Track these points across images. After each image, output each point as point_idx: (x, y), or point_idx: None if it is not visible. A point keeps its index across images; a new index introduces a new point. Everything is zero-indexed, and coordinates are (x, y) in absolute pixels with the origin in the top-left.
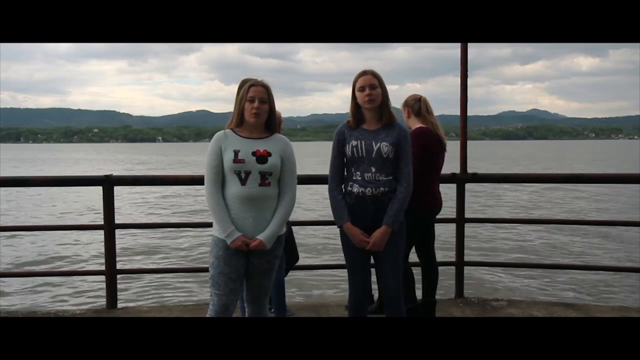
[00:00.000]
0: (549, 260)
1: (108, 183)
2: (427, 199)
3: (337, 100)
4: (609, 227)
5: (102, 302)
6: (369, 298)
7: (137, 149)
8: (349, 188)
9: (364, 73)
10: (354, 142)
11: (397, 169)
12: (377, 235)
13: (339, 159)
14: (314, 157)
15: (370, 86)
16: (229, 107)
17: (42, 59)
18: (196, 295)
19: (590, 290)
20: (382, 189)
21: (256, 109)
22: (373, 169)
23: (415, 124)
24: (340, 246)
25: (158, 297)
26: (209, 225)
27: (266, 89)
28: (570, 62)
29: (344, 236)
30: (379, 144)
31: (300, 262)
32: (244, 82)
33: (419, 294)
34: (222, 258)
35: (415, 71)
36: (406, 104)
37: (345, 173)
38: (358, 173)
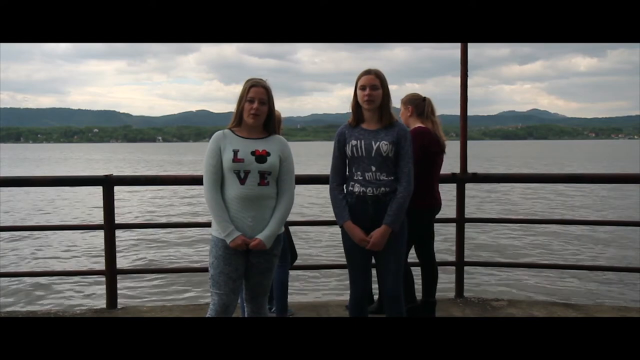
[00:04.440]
0: (549, 260)
1: (108, 183)
2: (427, 198)
3: (336, 100)
4: (609, 227)
5: (102, 302)
6: (369, 298)
7: (136, 149)
8: (350, 188)
9: (368, 72)
10: (353, 142)
11: (398, 168)
12: (376, 235)
13: (340, 159)
14: (308, 158)
15: (371, 86)
16: (229, 107)
17: (40, 59)
18: (196, 295)
19: (590, 290)
20: (383, 189)
21: (255, 109)
22: (373, 168)
23: (415, 123)
24: (341, 246)
25: (158, 297)
26: (209, 225)
27: (267, 90)
28: (568, 62)
29: (345, 236)
30: (378, 143)
31: (301, 262)
32: (246, 82)
33: (418, 294)
34: (222, 258)
35: (414, 71)
36: (410, 102)
37: (347, 173)
38: (359, 173)
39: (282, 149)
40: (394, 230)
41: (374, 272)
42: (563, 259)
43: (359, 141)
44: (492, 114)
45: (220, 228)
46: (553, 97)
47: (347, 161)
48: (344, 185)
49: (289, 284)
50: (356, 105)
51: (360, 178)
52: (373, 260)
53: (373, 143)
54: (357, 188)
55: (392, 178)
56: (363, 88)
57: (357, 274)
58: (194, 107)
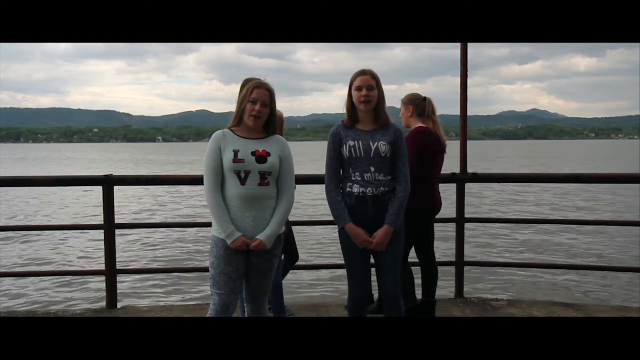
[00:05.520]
0: (549, 260)
1: (108, 183)
2: (427, 198)
3: (336, 101)
4: (609, 227)
5: (102, 302)
6: (369, 298)
7: (136, 149)
8: (349, 189)
9: (363, 73)
10: (351, 143)
11: (395, 168)
12: (380, 235)
13: (336, 160)
14: (309, 158)
15: (367, 87)
16: (229, 107)
17: (40, 59)
18: (196, 295)
19: (590, 290)
20: (382, 189)
21: (257, 112)
22: (372, 169)
23: (416, 123)
24: (340, 246)
25: (158, 297)
26: (209, 225)
27: (270, 92)
28: (567, 63)
29: (344, 237)
30: (376, 144)
31: (301, 262)
32: (247, 82)
33: (419, 293)
34: (222, 258)
35: (413, 71)
36: (411, 102)
37: (343, 174)
38: (357, 173)
39: (282, 149)
40: (395, 229)
41: (373, 272)
42: (563, 259)
43: (356, 142)
44: (492, 114)
45: (221, 228)
46: (553, 97)
47: (342, 162)
48: (341, 186)
49: (286, 284)
50: (351, 106)
51: (359, 179)
52: (372, 261)
53: (371, 144)
54: (356, 189)
55: (390, 178)
56: (359, 89)
57: (356, 275)
58: (194, 107)
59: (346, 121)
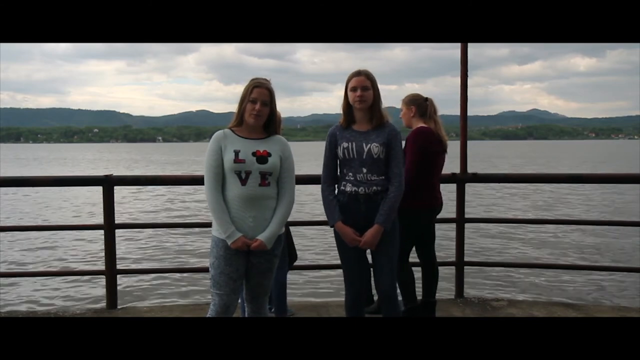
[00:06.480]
0: (549, 260)
1: (108, 183)
2: (428, 198)
3: (336, 101)
4: (608, 227)
5: (102, 302)
6: (368, 298)
7: (136, 149)
8: (342, 187)
9: (357, 73)
10: (345, 144)
11: (389, 169)
12: (368, 235)
13: (332, 160)
14: (308, 158)
15: (362, 87)
16: (229, 107)
17: (40, 59)
18: (196, 295)
19: (590, 290)
20: (374, 188)
21: (257, 110)
22: (364, 170)
23: (418, 123)
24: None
25: (158, 297)
26: (209, 225)
27: (270, 92)
28: (567, 63)
29: (338, 236)
30: (369, 145)
31: (300, 262)
32: (250, 82)
33: (419, 293)
34: (222, 258)
35: (413, 71)
36: (413, 102)
37: (339, 173)
38: (350, 174)
39: (282, 149)
40: (385, 229)
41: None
42: (563, 259)
43: (350, 143)
44: (492, 114)
45: (221, 229)
46: (553, 97)
47: (338, 162)
48: (336, 185)
49: (288, 284)
50: (347, 106)
51: (352, 178)
52: (370, 261)
53: (364, 145)
54: (349, 187)
55: (384, 178)
56: (354, 89)
57: (351, 274)
58: (194, 107)
59: (342, 122)
